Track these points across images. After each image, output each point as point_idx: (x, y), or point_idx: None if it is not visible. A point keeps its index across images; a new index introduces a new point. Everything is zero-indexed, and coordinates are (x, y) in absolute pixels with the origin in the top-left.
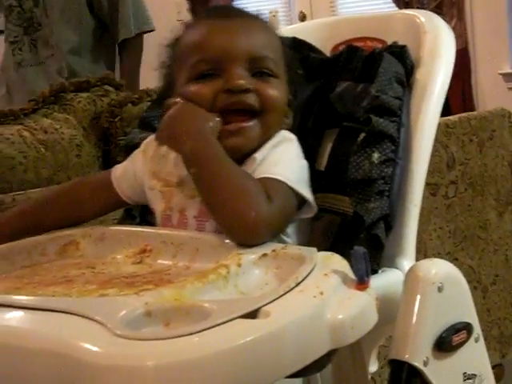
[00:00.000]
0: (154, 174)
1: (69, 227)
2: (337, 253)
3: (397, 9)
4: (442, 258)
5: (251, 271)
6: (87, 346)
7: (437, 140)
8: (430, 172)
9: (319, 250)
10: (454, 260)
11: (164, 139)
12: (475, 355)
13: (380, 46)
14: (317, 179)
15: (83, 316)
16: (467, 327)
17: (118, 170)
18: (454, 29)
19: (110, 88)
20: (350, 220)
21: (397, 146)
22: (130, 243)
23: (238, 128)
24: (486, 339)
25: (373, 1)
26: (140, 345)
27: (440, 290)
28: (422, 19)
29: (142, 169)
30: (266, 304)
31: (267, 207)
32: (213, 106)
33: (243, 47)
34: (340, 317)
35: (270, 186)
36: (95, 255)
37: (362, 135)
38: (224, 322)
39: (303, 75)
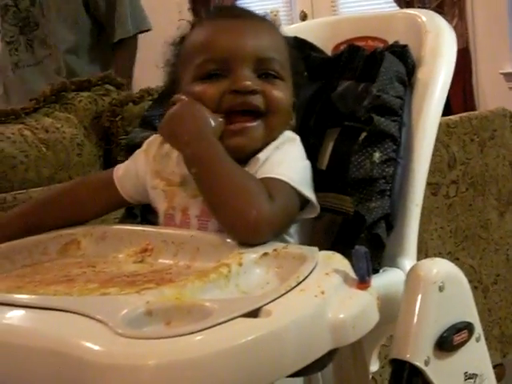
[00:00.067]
0: (157, 173)
1: (70, 227)
2: (338, 252)
3: (398, 8)
4: (443, 257)
5: (252, 270)
6: (88, 344)
7: (438, 140)
8: (431, 172)
9: (320, 249)
10: (455, 260)
11: (166, 135)
12: (476, 355)
13: (381, 45)
14: (318, 178)
15: (84, 315)
16: (468, 327)
17: (119, 170)
18: (455, 28)
19: (111, 87)
20: (352, 219)
21: (398, 145)
22: (131, 242)
23: (242, 128)
24: (487, 339)
25: (374, 0)
26: (141, 344)
27: (441, 289)
28: (424, 19)
29: (144, 168)
30: (267, 303)
31: (269, 206)
32: (218, 106)
33: (250, 48)
34: (341, 316)
35: (273, 186)
36: (96, 254)
37: (364, 135)
38: (225, 321)
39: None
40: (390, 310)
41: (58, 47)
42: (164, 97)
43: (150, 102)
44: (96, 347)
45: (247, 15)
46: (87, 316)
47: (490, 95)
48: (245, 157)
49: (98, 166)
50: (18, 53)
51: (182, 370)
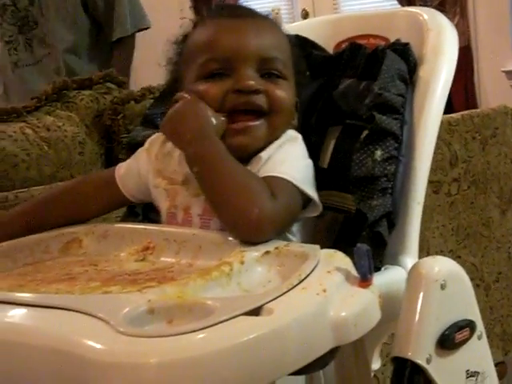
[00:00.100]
0: (159, 172)
1: (72, 225)
2: (340, 250)
3: (399, 6)
4: (444, 255)
5: (254, 268)
6: (90, 343)
7: (439, 138)
8: (433, 170)
9: (322, 247)
10: (457, 258)
11: (167, 133)
12: (478, 353)
13: (383, 43)
14: (320, 177)
15: (86, 313)
16: (470, 325)
17: (121, 169)
18: (456, 26)
19: (113, 85)
20: (353, 217)
21: (400, 143)
22: (133, 240)
23: (245, 127)
24: (488, 337)
25: None
26: (143, 342)
27: (443, 287)
28: (425, 17)
29: (147, 167)
30: (269, 301)
31: (271, 204)
32: (222, 105)
33: (254, 48)
34: (343, 314)
35: (275, 185)
36: (98, 252)
37: (365, 133)
38: (227, 320)
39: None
40: (392, 308)
41: (57, 46)
42: (166, 95)
43: (152, 101)
44: (98, 345)
45: (250, 14)
46: (89, 314)
47: (491, 93)
48: (247, 156)
49: (100, 164)
50: (17, 52)
51: (183, 369)
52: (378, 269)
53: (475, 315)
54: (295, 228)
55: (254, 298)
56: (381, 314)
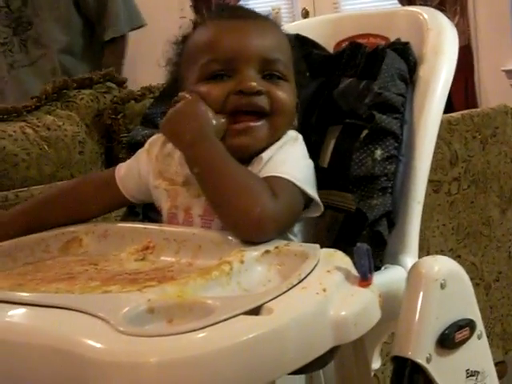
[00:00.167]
0: (160, 173)
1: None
2: (340, 249)
3: (400, 5)
4: (444, 254)
5: (254, 268)
6: (90, 342)
7: (440, 137)
8: (433, 169)
9: (322, 246)
10: (457, 257)
11: (167, 134)
12: (478, 352)
13: (383, 42)
14: (320, 176)
15: (86, 312)
16: (470, 324)
17: (121, 169)
18: (456, 25)
19: (113, 85)
20: (353, 217)
21: (400, 142)
22: (133, 240)
23: (246, 127)
24: (488, 336)
25: None
26: (143, 341)
27: (443, 286)
28: (425, 16)
29: (147, 168)
30: (269, 301)
31: (273, 204)
32: (223, 106)
33: (255, 49)
34: (343, 313)
35: (276, 185)
36: (98, 252)
37: (365, 132)
38: (227, 319)
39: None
40: (392, 308)
41: (52, 47)
42: (166, 94)
43: (152, 100)
44: (98, 345)
45: (251, 15)
46: (89, 314)
47: (491, 92)
48: (248, 156)
49: (100, 163)
50: (12, 54)
51: (183, 368)
52: (377, 268)
53: (475, 314)
54: (297, 228)
55: (254, 297)
56: (381, 314)
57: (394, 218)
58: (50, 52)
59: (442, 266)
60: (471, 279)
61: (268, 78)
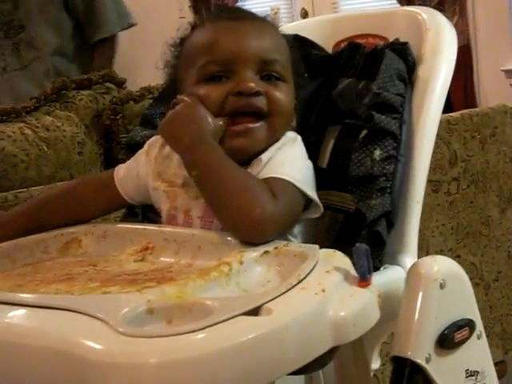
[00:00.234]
0: (159, 174)
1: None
2: (339, 250)
3: (399, 5)
4: (444, 254)
5: (253, 268)
6: (89, 343)
7: (439, 137)
8: (432, 169)
9: (321, 247)
10: (457, 257)
11: (166, 137)
12: (477, 352)
13: (382, 42)
14: (319, 176)
15: (85, 313)
16: (469, 324)
17: (120, 171)
18: (455, 25)
19: (112, 85)
20: (352, 217)
21: (398, 143)
22: (133, 241)
23: (245, 129)
24: (488, 336)
25: None
26: (142, 342)
27: (442, 286)
28: (424, 16)
29: (146, 169)
30: (268, 301)
31: (272, 205)
32: (222, 108)
33: (253, 50)
34: (342, 314)
35: (276, 186)
36: (97, 253)
37: (364, 132)
38: (226, 320)
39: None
40: (391, 308)
41: (45, 50)
42: (165, 95)
43: (151, 101)
44: (97, 346)
45: (249, 17)
46: (88, 315)
47: (491, 92)
48: (247, 158)
49: (99, 164)
50: (4, 57)
51: (183, 369)
52: (377, 268)
53: (475, 314)
54: (297, 230)
55: (253, 297)
56: (380, 314)
57: (393, 218)
58: (43, 55)
59: (442, 266)
60: (471, 279)
61: (266, 79)
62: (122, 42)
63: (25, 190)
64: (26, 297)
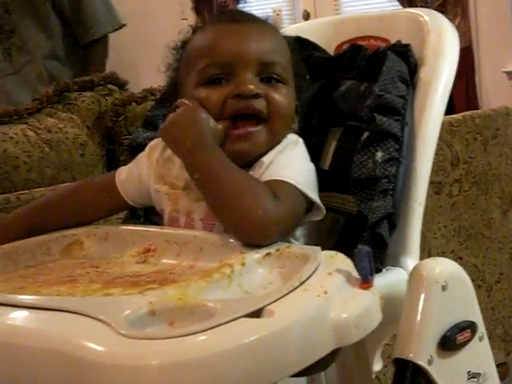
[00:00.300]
0: (161, 177)
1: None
2: (341, 252)
3: (401, 7)
4: (446, 256)
5: (255, 270)
6: (91, 345)
7: (441, 139)
8: (434, 171)
9: (323, 249)
10: (459, 259)
11: (167, 140)
12: (479, 354)
13: (384, 44)
14: (321, 178)
15: (87, 315)
16: (471, 326)
17: (122, 174)
18: (457, 27)
19: (114, 87)
20: (354, 219)
21: (400, 144)
22: (134, 242)
23: (245, 132)
24: (490, 338)
25: None
26: (144, 344)
27: (444, 288)
28: (426, 18)
29: (147, 172)
30: (270, 303)
31: (275, 207)
32: (222, 111)
33: (253, 52)
34: (344, 316)
35: (278, 188)
36: (99, 255)
37: (366, 134)
38: (228, 322)
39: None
40: (393, 310)
41: (37, 53)
42: (167, 97)
43: (153, 102)
44: (99, 348)
45: (249, 19)
46: (90, 316)
47: (493, 94)
48: (249, 161)
49: (101, 165)
50: None
51: (185, 371)
52: (379, 270)
53: (476, 316)
54: (299, 232)
55: (255, 299)
56: (382, 316)
57: (394, 219)
58: (35, 58)
59: (444, 267)
60: (473, 281)
61: (266, 81)
62: (124, 44)
63: (27, 191)
64: (27, 298)
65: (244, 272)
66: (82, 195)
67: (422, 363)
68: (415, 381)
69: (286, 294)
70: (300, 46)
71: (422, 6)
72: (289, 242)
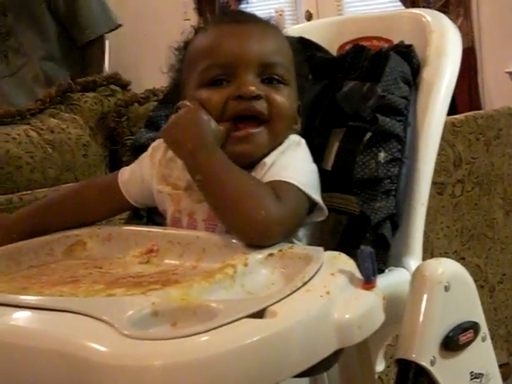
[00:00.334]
0: (163, 177)
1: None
2: (343, 252)
3: (403, 8)
4: (448, 257)
5: (258, 271)
6: (94, 345)
7: (443, 139)
8: (437, 171)
9: (326, 249)
10: (461, 259)
11: (168, 142)
12: (482, 354)
13: (386, 45)
14: (323, 179)
15: (90, 316)
16: (474, 326)
17: (124, 174)
18: (460, 27)
19: (117, 88)
20: (357, 219)
21: (403, 145)
22: (137, 243)
23: (246, 134)
24: (492, 338)
25: (379, 0)
26: (147, 345)
27: (447, 289)
28: (428, 18)
29: (150, 172)
30: (273, 304)
31: (277, 207)
32: (223, 112)
33: (254, 53)
34: (347, 316)
35: (280, 189)
36: (102, 255)
37: (369, 135)
38: (231, 322)
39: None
40: (396, 310)
41: (33, 55)
42: (169, 98)
43: (156, 103)
44: (102, 348)
45: (251, 20)
46: (93, 317)
47: (495, 94)
48: (250, 163)
49: (104, 166)
50: None
51: (187, 371)
52: (381, 271)
53: (479, 317)
54: (301, 233)
55: (258, 300)
56: (385, 316)
57: (397, 220)
58: (31, 60)
59: (446, 268)
60: (475, 281)
61: (267, 82)
62: (127, 44)
63: (30, 192)
64: (30, 299)
65: (247, 272)
66: (84, 196)
67: (425, 364)
68: (418, 381)
69: (288, 295)
70: (303, 46)
71: (424, 7)
72: (291, 242)
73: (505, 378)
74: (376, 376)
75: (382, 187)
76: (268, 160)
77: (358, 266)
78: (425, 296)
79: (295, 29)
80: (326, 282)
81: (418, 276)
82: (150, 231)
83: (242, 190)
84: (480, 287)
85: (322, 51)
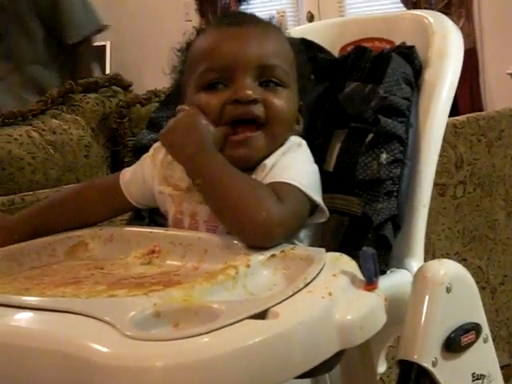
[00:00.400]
0: (165, 178)
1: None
2: (345, 253)
3: (405, 9)
4: (450, 258)
5: (260, 272)
6: (96, 346)
7: (445, 140)
8: (439, 172)
9: (328, 250)
10: (463, 260)
11: (167, 146)
12: (484, 356)
13: (388, 46)
14: (325, 180)
15: (92, 317)
16: (476, 328)
17: (126, 175)
18: (462, 29)
19: (118, 88)
20: (359, 221)
21: (405, 146)
22: (139, 244)
23: (244, 138)
24: (494, 339)
25: (381, 1)
26: (149, 346)
27: (448, 290)
28: (430, 19)
29: (151, 173)
30: (275, 305)
31: (278, 208)
32: (221, 116)
33: (252, 55)
34: (349, 317)
35: (281, 190)
36: (104, 256)
37: (371, 136)
38: (233, 323)
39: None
40: (398, 311)
41: (21, 59)
42: (171, 99)
43: (157, 104)
44: (104, 349)
45: (252, 21)
46: (95, 318)
47: (497, 95)
48: (249, 166)
49: (106, 167)
50: None
51: (189, 372)
52: (383, 272)
53: (481, 318)
54: (303, 234)
55: (260, 301)
56: (386, 317)
57: (399, 221)
58: (19, 65)
59: (448, 269)
60: (477, 283)
61: (265, 85)
62: (129, 45)
63: (31, 193)
64: (32, 300)
65: (249, 273)
66: (86, 196)
67: (427, 365)
68: (420, 382)
69: (290, 296)
70: (304, 47)
71: (426, 8)
72: (293, 243)
73: (506, 379)
74: (378, 377)
75: (383, 188)
76: (269, 162)
77: (360, 267)
78: (426, 297)
79: (297, 30)
80: (328, 283)
81: (419, 277)
82: (151, 232)
83: (243, 192)
84: (482, 288)
85: (324, 52)
